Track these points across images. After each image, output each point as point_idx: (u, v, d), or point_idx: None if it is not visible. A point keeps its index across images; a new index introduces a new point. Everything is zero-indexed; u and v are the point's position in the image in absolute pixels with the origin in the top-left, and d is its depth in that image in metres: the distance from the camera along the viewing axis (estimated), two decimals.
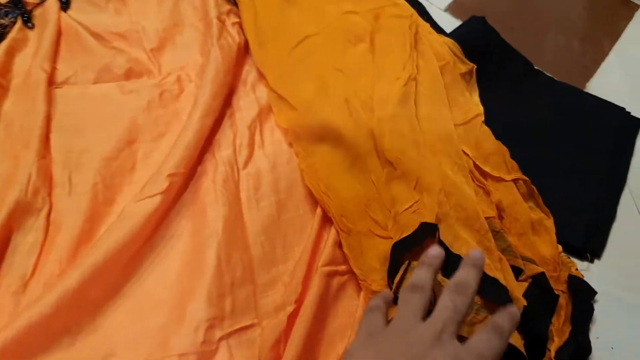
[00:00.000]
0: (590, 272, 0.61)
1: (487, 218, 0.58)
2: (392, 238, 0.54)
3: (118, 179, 0.60)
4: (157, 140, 0.63)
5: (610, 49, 0.80)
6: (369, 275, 0.54)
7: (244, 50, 0.72)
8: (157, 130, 0.64)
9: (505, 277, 0.54)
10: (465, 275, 0.39)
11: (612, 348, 0.57)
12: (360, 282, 0.55)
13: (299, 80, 0.66)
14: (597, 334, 0.57)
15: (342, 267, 0.57)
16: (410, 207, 0.55)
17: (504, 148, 0.63)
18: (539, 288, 0.56)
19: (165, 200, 0.57)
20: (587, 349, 0.55)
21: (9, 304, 0.52)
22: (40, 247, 0.55)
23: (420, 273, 0.40)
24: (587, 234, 0.62)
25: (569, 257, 0.60)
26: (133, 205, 0.56)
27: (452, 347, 0.34)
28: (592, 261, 0.62)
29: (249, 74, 0.70)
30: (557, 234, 0.60)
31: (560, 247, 0.60)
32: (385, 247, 0.54)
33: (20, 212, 0.55)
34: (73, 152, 0.60)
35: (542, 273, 0.56)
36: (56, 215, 0.57)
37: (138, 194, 0.56)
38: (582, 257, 0.62)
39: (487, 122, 0.66)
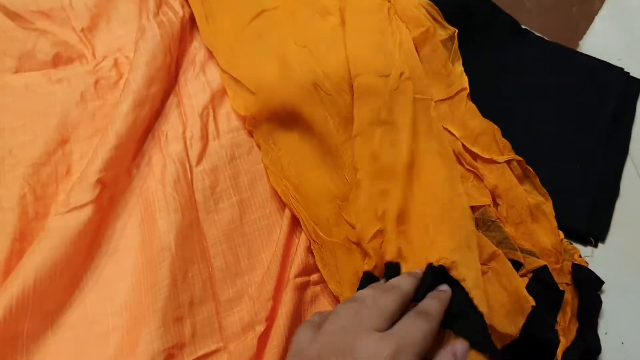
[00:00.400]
0: (594, 258, 0.55)
1: (479, 207, 0.51)
2: None
3: (51, 188, 0.51)
4: (94, 137, 0.54)
5: (601, 1, 0.72)
6: (347, 294, 0.47)
7: (190, 24, 0.62)
8: (94, 126, 0.55)
9: (503, 276, 0.47)
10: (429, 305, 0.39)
11: (622, 343, 0.51)
12: (339, 297, 0.48)
13: (255, 59, 0.56)
14: (605, 329, 0.51)
15: (315, 276, 0.50)
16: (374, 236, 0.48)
17: (494, 126, 0.55)
18: (541, 283, 0.49)
19: (98, 209, 0.49)
20: (597, 348, 0.49)
21: None
22: None
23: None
24: (589, 215, 0.55)
25: (571, 243, 0.53)
26: (59, 219, 0.47)
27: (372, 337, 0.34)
28: (596, 245, 0.56)
29: (197, 52, 0.60)
30: (556, 217, 0.54)
31: (561, 234, 0.53)
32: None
33: None
34: None
35: (544, 266, 0.49)
36: None
37: (63, 205, 0.48)
38: (584, 242, 0.56)
39: (472, 94, 0.58)
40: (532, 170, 0.54)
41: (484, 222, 0.51)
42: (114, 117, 0.51)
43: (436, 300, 0.40)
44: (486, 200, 0.51)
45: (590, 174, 0.57)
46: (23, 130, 0.53)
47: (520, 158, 0.54)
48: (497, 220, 0.51)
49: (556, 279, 0.50)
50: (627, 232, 0.56)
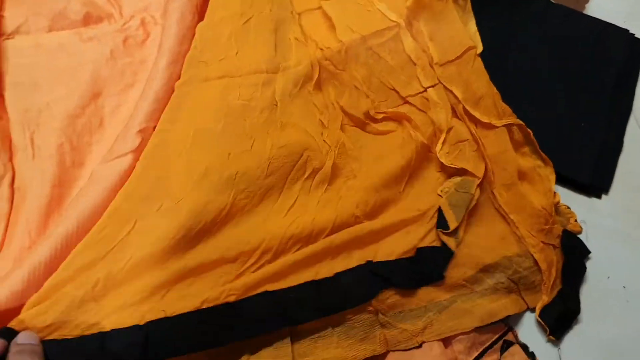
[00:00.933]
0: (597, 209, 0.58)
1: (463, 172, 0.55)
2: None
3: (85, 139, 0.55)
4: (124, 92, 0.57)
5: None
6: None
7: None
8: (124, 82, 0.58)
9: None
10: None
11: (624, 287, 0.54)
12: None
13: None
14: (608, 273, 0.55)
15: None
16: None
17: (494, 91, 0.58)
18: None
19: (137, 158, 0.52)
20: (575, 311, 0.52)
21: None
22: (6, 218, 0.50)
23: None
24: (593, 169, 0.58)
25: (568, 208, 0.56)
26: (102, 167, 0.50)
27: None
28: (599, 197, 0.59)
29: None
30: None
31: (558, 197, 0.56)
32: None
33: None
34: (32, 111, 0.54)
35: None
36: (20, 182, 0.52)
37: (107, 155, 0.51)
38: (589, 194, 0.59)
39: (480, 55, 0.61)
40: (531, 134, 0.56)
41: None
42: (152, 73, 0.55)
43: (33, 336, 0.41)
44: (479, 172, 0.55)
45: (595, 131, 0.60)
46: (58, 85, 0.56)
47: (520, 122, 0.56)
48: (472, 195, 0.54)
49: (544, 239, 0.54)
50: (629, 184, 0.59)
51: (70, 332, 0.43)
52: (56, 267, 0.46)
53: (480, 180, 0.55)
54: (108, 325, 0.44)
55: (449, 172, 0.56)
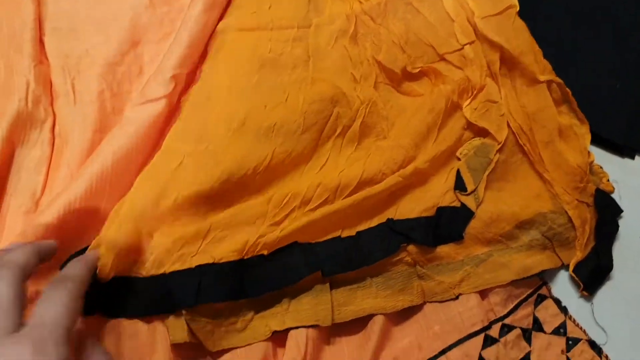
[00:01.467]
0: (630, 169, 0.58)
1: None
2: None
3: (125, 86, 0.54)
4: (163, 41, 0.57)
5: None
6: None
7: None
8: (163, 31, 0.57)
9: None
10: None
11: None
12: None
13: None
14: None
15: None
16: None
17: (536, 47, 0.57)
18: None
19: (170, 104, 0.52)
20: (608, 267, 0.53)
21: (21, 224, 0.48)
22: (47, 162, 0.51)
23: None
24: (626, 130, 0.59)
25: (601, 168, 0.57)
26: (134, 110, 0.51)
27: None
28: (632, 157, 0.59)
29: None
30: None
31: (592, 156, 0.56)
32: None
33: (22, 125, 0.50)
34: (71, 57, 0.54)
35: None
36: (61, 127, 0.52)
37: (138, 97, 0.51)
38: (622, 154, 0.59)
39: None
40: (570, 92, 0.56)
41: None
42: (186, 18, 0.54)
43: (79, 262, 0.39)
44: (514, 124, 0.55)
45: (629, 92, 0.61)
46: (97, 32, 0.55)
47: (560, 80, 0.56)
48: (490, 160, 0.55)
49: (579, 197, 0.54)
50: None
51: (133, 268, 0.45)
52: (91, 203, 0.46)
53: (500, 145, 0.55)
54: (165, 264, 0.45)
55: (474, 131, 0.57)
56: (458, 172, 0.54)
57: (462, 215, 0.53)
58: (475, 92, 0.57)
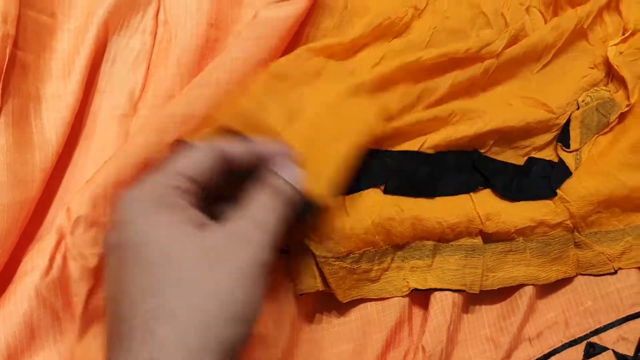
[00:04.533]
0: None
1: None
2: None
3: None
4: None
5: None
6: None
7: None
8: None
9: None
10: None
11: None
12: None
13: None
14: None
15: None
16: None
17: None
18: None
19: (307, 7, 0.42)
20: None
21: (116, 129, 0.40)
22: (148, 56, 0.42)
23: None
24: None
25: None
26: (268, 10, 0.41)
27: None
28: None
29: None
30: None
31: None
32: None
33: (121, 7, 0.40)
34: None
35: None
36: (168, 15, 0.42)
37: None
38: None
39: None
40: None
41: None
42: None
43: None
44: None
45: None
46: None
47: None
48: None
49: None
50: None
51: None
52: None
53: (628, 108, 0.46)
54: None
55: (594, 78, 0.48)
56: (567, 122, 0.45)
57: (557, 172, 0.45)
58: (628, 34, 0.48)
